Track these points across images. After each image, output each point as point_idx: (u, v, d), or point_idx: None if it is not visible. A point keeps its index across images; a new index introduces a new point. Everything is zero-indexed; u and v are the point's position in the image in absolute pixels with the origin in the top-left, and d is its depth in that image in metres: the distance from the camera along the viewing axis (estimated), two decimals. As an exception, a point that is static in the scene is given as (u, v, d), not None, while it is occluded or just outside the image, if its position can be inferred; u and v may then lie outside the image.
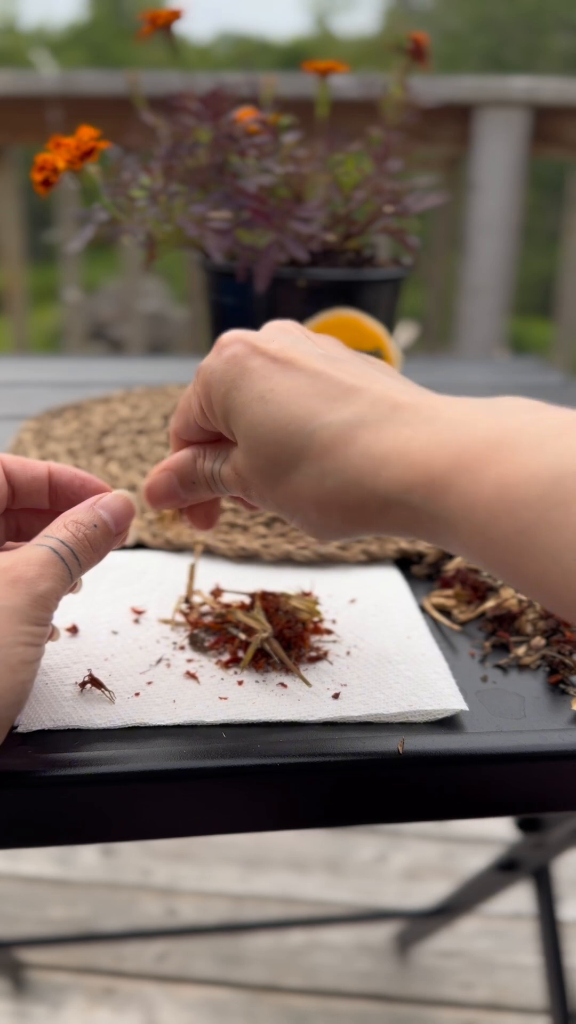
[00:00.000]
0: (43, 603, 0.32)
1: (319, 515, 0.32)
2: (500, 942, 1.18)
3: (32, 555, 0.33)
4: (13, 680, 0.31)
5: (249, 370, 0.33)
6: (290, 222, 0.58)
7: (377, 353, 0.60)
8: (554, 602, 0.26)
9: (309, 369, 0.33)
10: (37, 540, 0.34)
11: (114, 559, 0.50)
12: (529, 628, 0.44)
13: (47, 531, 0.35)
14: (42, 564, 0.33)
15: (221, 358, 0.34)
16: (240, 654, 0.40)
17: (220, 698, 0.37)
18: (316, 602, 0.43)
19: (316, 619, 0.43)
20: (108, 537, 0.35)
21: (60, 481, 0.38)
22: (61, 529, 0.35)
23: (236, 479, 0.35)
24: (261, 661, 0.40)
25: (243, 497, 0.36)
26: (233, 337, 0.35)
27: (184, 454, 0.38)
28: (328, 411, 0.32)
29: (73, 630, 0.42)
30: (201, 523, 0.42)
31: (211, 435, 0.38)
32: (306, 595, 0.46)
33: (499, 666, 0.42)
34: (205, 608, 0.45)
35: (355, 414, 0.31)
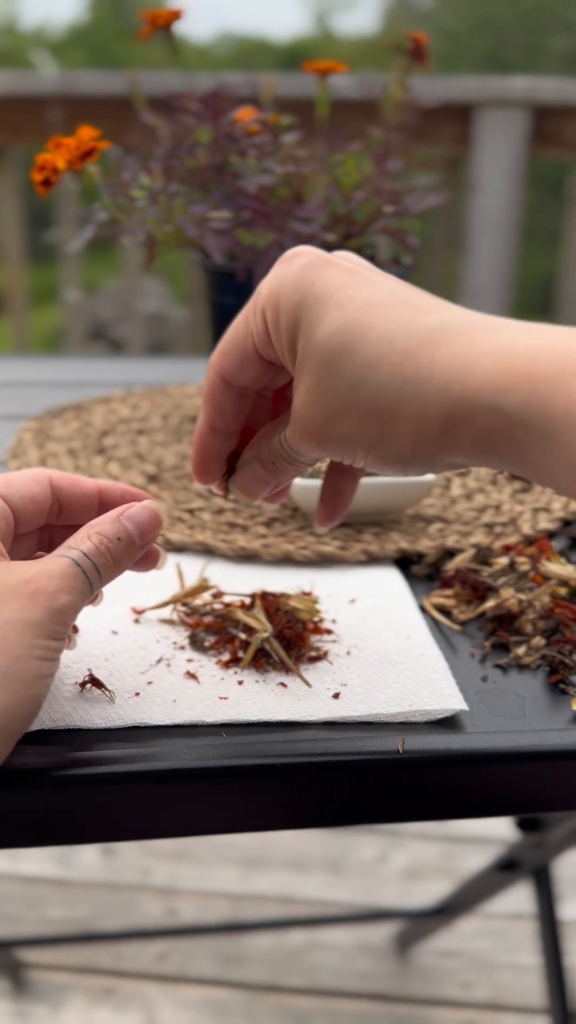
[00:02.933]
0: (61, 617, 0.32)
1: (388, 434, 0.30)
2: (500, 942, 1.18)
3: (54, 567, 0.32)
4: (25, 695, 0.30)
5: (324, 278, 0.31)
6: (290, 222, 0.58)
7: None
8: None
9: (388, 282, 0.31)
10: (60, 551, 0.33)
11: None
12: (529, 628, 0.44)
13: (71, 541, 0.34)
14: (63, 577, 0.32)
15: (292, 266, 0.32)
16: (240, 654, 0.40)
17: (220, 698, 0.37)
18: (316, 602, 0.43)
19: (316, 619, 0.43)
20: (132, 550, 0.35)
21: (111, 499, 0.38)
22: (85, 540, 0.34)
23: (296, 429, 0.33)
24: (261, 661, 0.40)
25: (301, 456, 0.34)
26: (301, 249, 0.33)
27: (257, 439, 0.37)
28: (411, 319, 0.30)
29: (73, 630, 0.42)
30: (274, 499, 0.40)
31: (266, 372, 0.35)
32: (306, 595, 0.46)
33: (499, 666, 0.42)
34: (205, 608, 0.45)
35: (441, 321, 0.29)
